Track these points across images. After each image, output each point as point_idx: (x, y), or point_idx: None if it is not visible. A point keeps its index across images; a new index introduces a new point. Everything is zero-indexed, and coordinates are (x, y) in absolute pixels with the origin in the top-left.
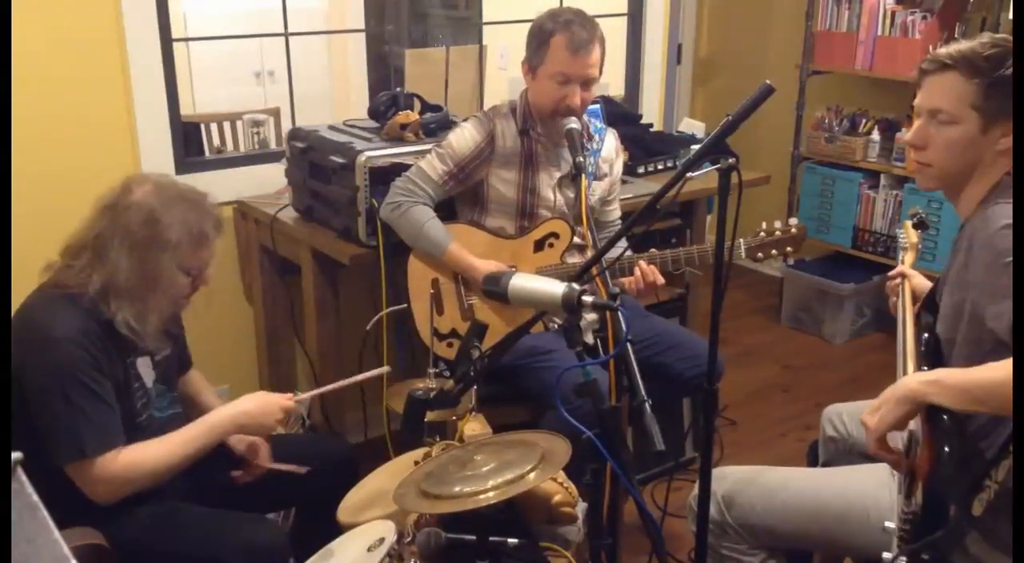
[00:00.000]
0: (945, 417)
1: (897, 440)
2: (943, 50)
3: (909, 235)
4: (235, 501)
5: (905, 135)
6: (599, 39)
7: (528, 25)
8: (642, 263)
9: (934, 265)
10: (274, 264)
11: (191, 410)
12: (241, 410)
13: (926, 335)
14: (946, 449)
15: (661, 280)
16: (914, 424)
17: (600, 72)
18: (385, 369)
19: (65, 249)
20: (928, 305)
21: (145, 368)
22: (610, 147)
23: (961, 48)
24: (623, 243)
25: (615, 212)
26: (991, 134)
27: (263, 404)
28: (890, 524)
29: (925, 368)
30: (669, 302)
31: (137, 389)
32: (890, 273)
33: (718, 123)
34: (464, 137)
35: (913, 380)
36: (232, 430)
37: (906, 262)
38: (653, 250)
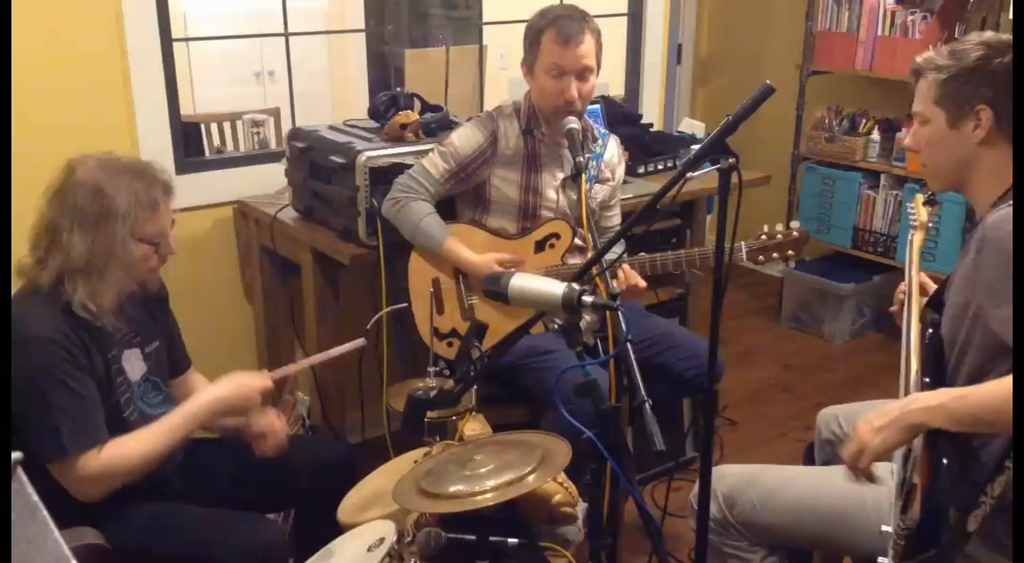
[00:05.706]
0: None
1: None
2: (919, 56)
3: (919, 212)
4: (235, 501)
5: (904, 136)
6: (591, 30)
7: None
8: (625, 266)
9: (934, 265)
10: (274, 264)
11: None
12: (216, 397)
13: (930, 331)
14: (944, 461)
15: (643, 284)
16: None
17: (598, 65)
18: (360, 342)
19: (29, 246)
20: (934, 303)
21: (134, 361)
22: (613, 151)
23: (931, 52)
24: (624, 244)
25: (615, 218)
26: (962, 127)
27: (239, 387)
28: (887, 528)
29: (927, 380)
30: (669, 302)
31: (120, 383)
32: (904, 286)
33: (718, 123)
34: (466, 137)
35: (918, 406)
36: (210, 418)
37: (915, 243)
38: (656, 253)
